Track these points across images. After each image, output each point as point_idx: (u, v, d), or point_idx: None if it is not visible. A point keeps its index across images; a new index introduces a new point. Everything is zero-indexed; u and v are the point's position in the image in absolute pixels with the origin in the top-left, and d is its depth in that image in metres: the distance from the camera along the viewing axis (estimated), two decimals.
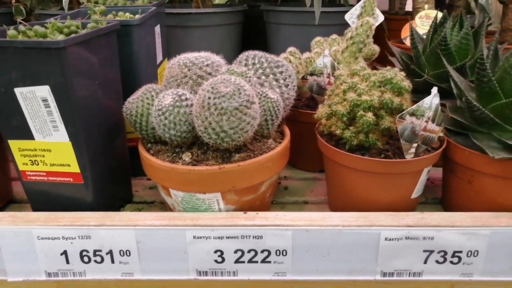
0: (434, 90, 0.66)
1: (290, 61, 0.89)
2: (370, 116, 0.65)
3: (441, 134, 0.70)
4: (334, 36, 0.97)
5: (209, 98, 0.64)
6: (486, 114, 0.67)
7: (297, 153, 0.95)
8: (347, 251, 0.70)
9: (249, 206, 0.75)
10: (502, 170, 0.69)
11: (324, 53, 0.82)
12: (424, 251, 0.70)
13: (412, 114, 0.65)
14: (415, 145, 0.68)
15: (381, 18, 1.22)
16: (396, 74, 0.69)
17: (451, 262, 0.71)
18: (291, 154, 1.01)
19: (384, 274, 0.72)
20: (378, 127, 0.68)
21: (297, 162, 0.98)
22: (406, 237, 0.69)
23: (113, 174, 0.80)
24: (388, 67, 0.72)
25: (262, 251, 0.71)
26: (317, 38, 0.99)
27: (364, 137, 0.67)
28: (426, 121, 0.67)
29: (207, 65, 0.75)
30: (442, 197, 0.85)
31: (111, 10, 0.92)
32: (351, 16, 1.21)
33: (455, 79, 0.74)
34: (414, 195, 0.75)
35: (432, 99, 0.66)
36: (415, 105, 0.65)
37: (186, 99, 0.69)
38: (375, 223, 0.69)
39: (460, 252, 0.70)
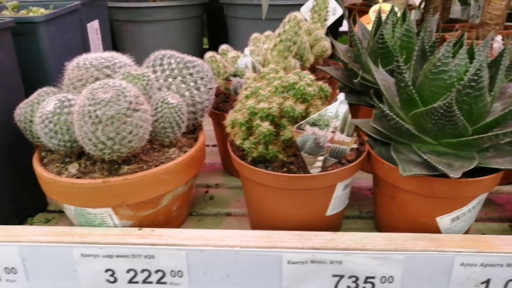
0: (340, 96, 0.58)
1: (215, 61, 0.82)
2: (265, 126, 0.58)
3: (354, 146, 0.63)
4: (267, 32, 0.89)
5: (85, 105, 0.57)
6: (400, 124, 0.59)
7: (228, 158, 0.88)
8: (248, 273, 0.63)
9: (150, 221, 0.69)
10: (419, 187, 0.61)
11: (244, 52, 0.75)
12: (334, 275, 0.63)
13: (314, 124, 0.57)
14: (321, 158, 0.61)
15: (339, 12, 1.13)
16: (302, 77, 0.61)
17: None
18: (224, 160, 0.95)
19: None
20: (278, 138, 0.60)
21: (230, 168, 0.91)
22: (311, 261, 0.62)
23: (21, 181, 0.75)
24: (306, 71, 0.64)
25: (156, 271, 0.65)
26: (254, 35, 0.92)
27: (264, 148, 0.60)
28: (333, 132, 0.59)
29: (107, 66, 0.68)
30: (374, 213, 0.77)
31: (27, 6, 0.86)
32: (306, 10, 1.12)
33: (378, 81, 0.66)
34: (330, 211, 0.67)
35: (338, 107, 0.58)
36: (316, 114, 0.57)
37: (70, 105, 0.63)
38: (277, 245, 0.62)
39: (373, 277, 0.62)
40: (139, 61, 0.81)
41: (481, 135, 0.55)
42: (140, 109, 0.60)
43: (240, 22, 1.29)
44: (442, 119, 0.55)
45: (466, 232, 0.69)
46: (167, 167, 0.64)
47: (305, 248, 0.61)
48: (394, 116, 0.59)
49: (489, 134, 0.55)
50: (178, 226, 0.77)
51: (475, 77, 0.53)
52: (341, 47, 0.92)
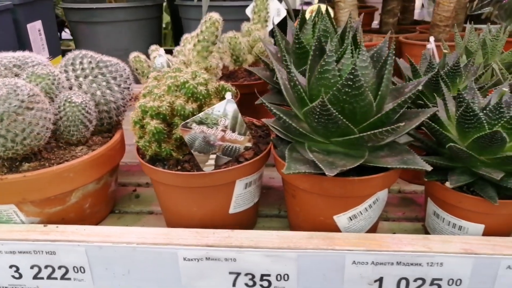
0: (228, 96, 0.58)
1: (139, 61, 0.83)
2: (153, 124, 0.59)
3: (249, 144, 0.63)
4: (194, 33, 0.90)
5: None
6: (288, 123, 0.60)
7: None
8: (148, 270, 0.64)
9: (60, 218, 0.70)
10: (311, 185, 0.62)
11: (159, 52, 0.76)
12: (230, 273, 0.63)
13: (201, 122, 0.58)
14: (213, 156, 0.61)
15: (283, 13, 1.14)
16: (196, 76, 0.62)
17: (261, 286, 0.64)
18: None
19: None
20: (171, 136, 0.61)
21: None
22: (206, 258, 0.62)
23: None
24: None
25: (60, 267, 0.66)
26: (185, 35, 0.92)
27: (157, 146, 0.61)
28: (223, 130, 0.60)
29: (16, 65, 0.70)
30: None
31: None
32: (250, 11, 1.13)
33: (279, 81, 0.66)
34: (234, 209, 0.68)
35: (226, 106, 0.59)
36: (202, 113, 0.58)
37: None
38: (173, 241, 0.63)
39: (269, 275, 0.63)
40: None
41: (362, 134, 0.56)
42: (35, 107, 0.61)
43: (192, 23, 1.30)
44: (322, 118, 0.56)
45: (372, 231, 0.69)
46: (70, 165, 0.65)
47: (200, 245, 0.62)
48: (282, 115, 0.59)
49: (369, 133, 0.55)
50: (96, 224, 0.77)
51: (351, 77, 0.53)
52: (271, 48, 0.93)
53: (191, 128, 0.58)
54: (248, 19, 1.13)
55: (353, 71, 0.53)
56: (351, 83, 0.54)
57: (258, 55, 1.02)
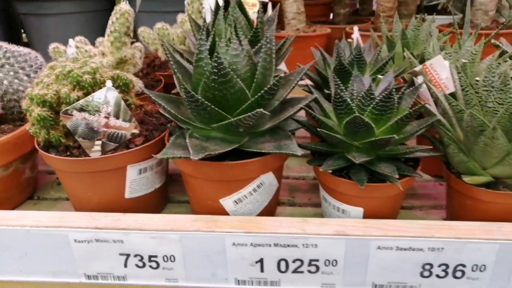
0: (108, 84, 0.61)
1: (59, 51, 0.85)
2: (37, 111, 0.61)
3: (135, 131, 0.66)
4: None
5: None
6: (168, 110, 0.62)
7: None
8: (44, 252, 0.67)
9: None
10: (193, 170, 0.64)
11: (69, 43, 0.78)
12: (121, 254, 0.66)
13: (82, 109, 0.60)
14: (98, 142, 0.64)
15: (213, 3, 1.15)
16: (85, 65, 0.64)
17: (151, 267, 0.67)
18: None
19: (89, 277, 0.69)
20: (58, 123, 0.63)
21: None
22: (96, 240, 0.65)
23: None
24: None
25: None
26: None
27: (46, 133, 0.64)
28: (107, 117, 0.62)
29: None
30: None
31: None
32: (186, 1, 1.15)
33: (174, 69, 0.68)
34: (130, 195, 0.71)
35: (107, 93, 0.61)
36: (82, 100, 0.60)
37: None
38: (64, 224, 0.65)
39: (155, 256, 0.65)
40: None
41: (232, 120, 0.58)
42: None
43: (143, 15, 1.32)
44: (193, 105, 0.58)
45: (268, 215, 0.72)
46: None
47: (89, 227, 0.65)
48: (161, 103, 0.61)
49: (235, 119, 0.57)
50: (11, 209, 0.80)
51: (216, 65, 0.55)
52: (193, 40, 0.95)
53: (72, 115, 0.60)
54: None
55: (216, 59, 0.55)
56: (216, 71, 0.56)
57: (189, 46, 1.04)
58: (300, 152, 0.59)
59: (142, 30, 1.06)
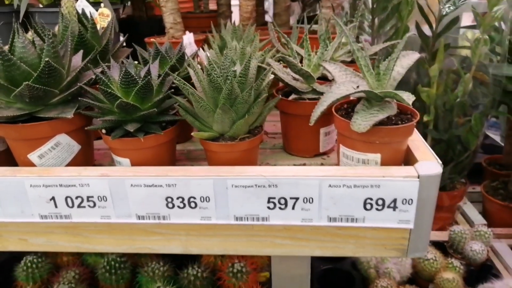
0: None
1: None
2: None
3: None
4: None
5: None
6: None
7: None
8: None
9: None
10: (2, 131, 0.87)
11: None
12: None
13: None
14: None
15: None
16: None
17: None
18: None
19: None
20: None
21: None
22: None
23: None
24: None
25: None
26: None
27: None
28: None
29: None
30: None
31: None
32: None
33: None
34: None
35: None
36: None
37: None
38: None
39: None
40: None
41: (14, 93, 0.81)
42: None
43: None
44: None
45: None
46: None
47: None
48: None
49: (18, 90, 0.81)
50: None
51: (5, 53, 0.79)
52: None
53: None
54: None
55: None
56: (3, 57, 0.80)
57: None
58: (69, 116, 0.83)
59: None
